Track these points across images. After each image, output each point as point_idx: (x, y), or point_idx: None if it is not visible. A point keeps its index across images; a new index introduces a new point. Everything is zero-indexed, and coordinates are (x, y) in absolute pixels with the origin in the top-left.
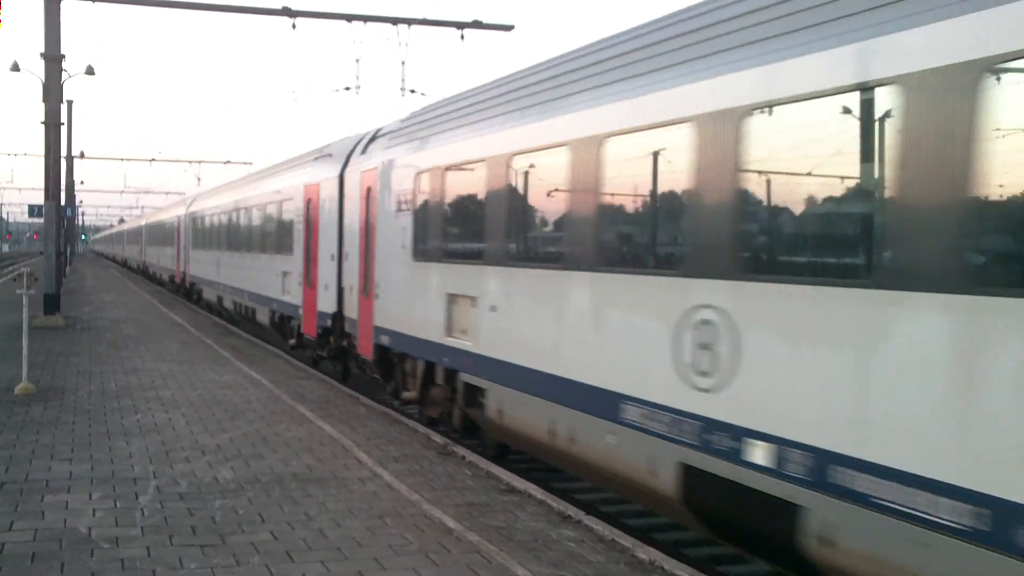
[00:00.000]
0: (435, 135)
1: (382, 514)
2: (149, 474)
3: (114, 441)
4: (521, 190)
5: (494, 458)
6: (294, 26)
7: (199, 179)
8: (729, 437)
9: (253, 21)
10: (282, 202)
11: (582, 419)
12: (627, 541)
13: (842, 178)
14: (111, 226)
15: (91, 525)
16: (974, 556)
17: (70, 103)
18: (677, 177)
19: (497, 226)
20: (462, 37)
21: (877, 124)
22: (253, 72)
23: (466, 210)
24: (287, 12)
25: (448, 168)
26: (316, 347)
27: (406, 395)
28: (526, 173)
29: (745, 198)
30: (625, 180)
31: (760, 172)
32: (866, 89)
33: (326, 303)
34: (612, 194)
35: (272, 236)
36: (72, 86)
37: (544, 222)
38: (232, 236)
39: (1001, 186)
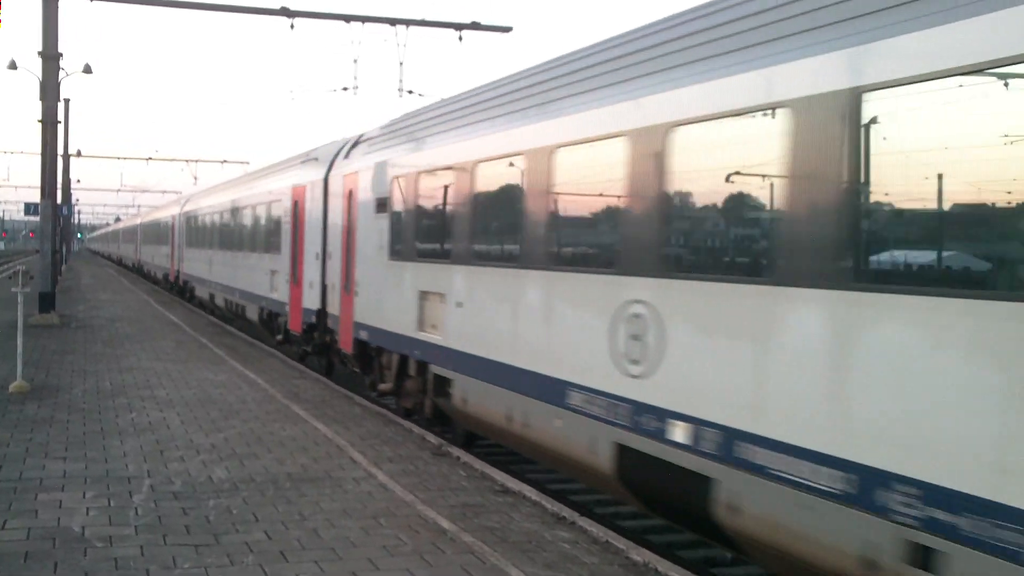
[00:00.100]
0: (408, 143)
1: (376, 514)
2: (143, 473)
3: (108, 440)
4: (483, 195)
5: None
6: (292, 26)
7: (196, 178)
8: (655, 418)
9: (251, 21)
10: (271, 203)
11: (534, 405)
12: (621, 543)
13: (741, 191)
14: (107, 225)
15: (85, 524)
16: (845, 516)
17: (67, 101)
18: (613, 185)
19: (462, 228)
20: (460, 38)
21: (763, 145)
22: (251, 71)
23: (436, 213)
24: (285, 12)
25: (420, 174)
26: (302, 343)
27: (382, 387)
28: (487, 180)
29: (667, 205)
30: (571, 187)
31: (678, 182)
32: (750, 113)
33: (311, 300)
34: (560, 199)
35: (261, 236)
36: (69, 84)
37: (502, 224)
38: (224, 236)
39: (863, 197)
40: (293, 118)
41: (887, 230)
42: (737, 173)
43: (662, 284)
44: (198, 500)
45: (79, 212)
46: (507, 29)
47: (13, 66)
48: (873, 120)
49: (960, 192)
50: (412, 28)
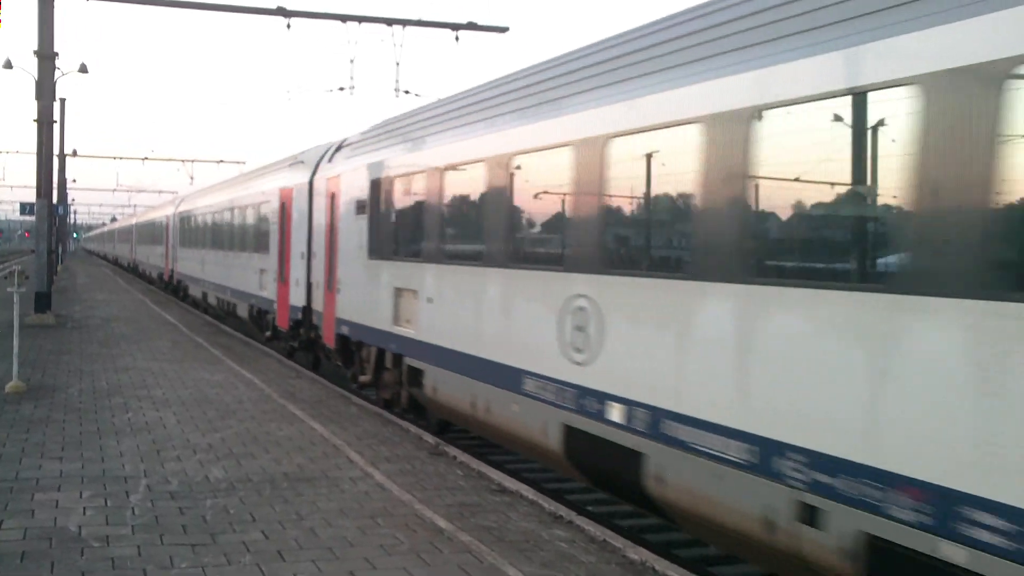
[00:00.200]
0: (385, 148)
1: (373, 514)
2: (140, 473)
3: (105, 440)
4: (450, 198)
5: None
6: (289, 26)
7: (192, 178)
8: (596, 401)
9: (248, 21)
10: (260, 205)
11: (495, 392)
12: (618, 542)
13: (664, 196)
14: (103, 224)
15: (81, 524)
16: (748, 482)
17: (63, 101)
18: (561, 190)
19: (432, 229)
20: (457, 39)
21: (680, 157)
22: (247, 71)
23: (409, 215)
24: (282, 12)
25: (395, 178)
26: (288, 338)
27: (362, 379)
28: (454, 184)
29: (604, 208)
30: (525, 191)
31: (614, 188)
32: (669, 127)
33: (297, 298)
34: (517, 203)
35: (251, 236)
36: (65, 84)
37: (467, 226)
38: (216, 236)
39: (758, 203)
40: (290, 118)
41: (775, 231)
42: (660, 181)
43: (600, 280)
44: (195, 500)
45: (75, 212)
46: (504, 29)
47: (9, 65)
48: (769, 135)
49: (827, 198)
50: (408, 28)
